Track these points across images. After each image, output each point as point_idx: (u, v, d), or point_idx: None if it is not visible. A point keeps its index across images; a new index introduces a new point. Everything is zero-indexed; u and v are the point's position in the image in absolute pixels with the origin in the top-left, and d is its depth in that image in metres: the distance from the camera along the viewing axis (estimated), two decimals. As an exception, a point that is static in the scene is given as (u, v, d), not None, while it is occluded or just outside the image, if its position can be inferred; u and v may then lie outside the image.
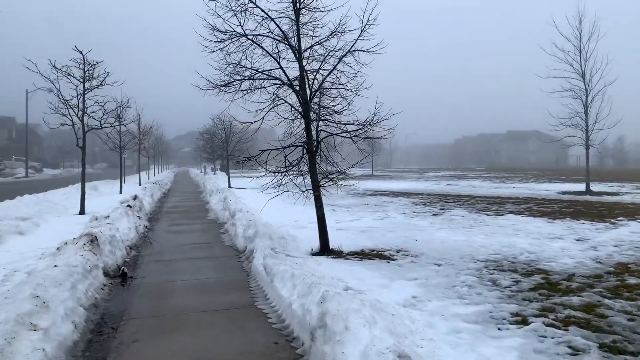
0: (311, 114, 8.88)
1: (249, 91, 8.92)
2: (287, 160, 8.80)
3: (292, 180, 8.85)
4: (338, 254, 8.73)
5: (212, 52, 8.40)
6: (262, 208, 10.37)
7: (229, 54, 8.56)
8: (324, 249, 8.84)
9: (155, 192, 23.59)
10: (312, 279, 5.78)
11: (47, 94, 14.23)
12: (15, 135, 77.77)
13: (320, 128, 9.24)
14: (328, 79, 8.95)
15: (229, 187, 30.14)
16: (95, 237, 8.23)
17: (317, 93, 9.00)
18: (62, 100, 14.36)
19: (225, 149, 30.59)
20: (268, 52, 8.56)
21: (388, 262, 8.11)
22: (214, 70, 9.31)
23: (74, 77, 14.24)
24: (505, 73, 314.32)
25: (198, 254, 9.70)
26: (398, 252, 9.00)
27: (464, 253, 8.79)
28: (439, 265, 7.87)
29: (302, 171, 8.85)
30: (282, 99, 9.36)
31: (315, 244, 9.70)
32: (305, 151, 8.79)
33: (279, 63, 8.64)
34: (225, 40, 8.67)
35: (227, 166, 31.91)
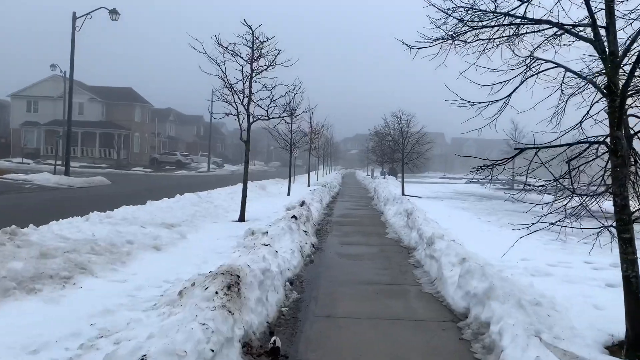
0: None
1: (496, 40, 5.14)
2: (571, 170, 4.74)
3: (583, 205, 4.73)
4: (671, 359, 4.40)
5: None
6: (508, 250, 6.32)
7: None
8: (638, 342, 4.57)
9: (325, 195, 21.04)
10: None
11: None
12: (203, 133, 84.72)
13: (631, 112, 4.99)
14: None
15: (402, 194, 26.56)
16: (238, 276, 5.18)
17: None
18: (227, 85, 12.15)
19: (401, 150, 27.04)
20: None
21: None
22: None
23: (240, 57, 11.93)
24: None
25: (388, 308, 6.18)
26: None
27: None
28: None
29: (609, 186, 4.68)
30: (548, 61, 5.38)
31: (596, 317, 5.50)
32: (609, 153, 4.63)
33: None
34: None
35: (401, 170, 28.35)
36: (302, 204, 13.94)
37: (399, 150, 27.59)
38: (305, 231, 10.35)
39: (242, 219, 12.29)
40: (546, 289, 6.53)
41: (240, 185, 21.54)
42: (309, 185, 30.83)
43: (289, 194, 22.07)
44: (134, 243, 7.75)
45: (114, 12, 31.50)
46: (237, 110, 12.39)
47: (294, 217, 10.20)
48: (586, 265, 8.48)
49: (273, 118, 12.23)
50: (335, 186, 31.27)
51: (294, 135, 22.39)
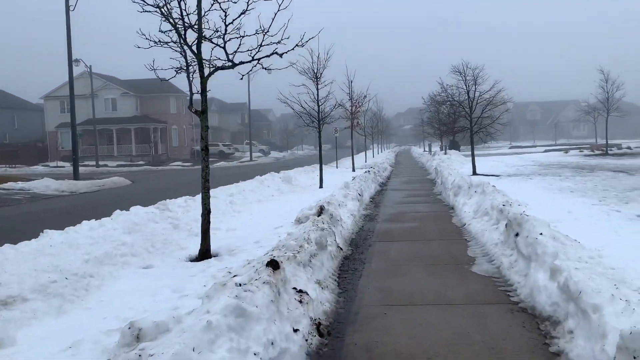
0: None
1: None
2: None
3: None
4: None
5: None
6: None
7: None
8: None
9: (368, 186, 15.28)
10: None
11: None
12: (248, 120, 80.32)
13: None
14: None
15: (474, 173, 20.33)
16: None
17: None
18: (166, 16, 6.66)
19: (468, 116, 20.63)
20: None
21: None
22: None
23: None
24: None
25: None
26: None
27: None
28: None
29: None
30: None
31: None
32: None
33: None
34: None
35: (471, 142, 21.97)
36: (321, 211, 8.33)
37: (466, 116, 21.20)
38: (301, 291, 4.73)
39: (203, 254, 6.72)
40: None
41: (253, 181, 16.05)
42: (353, 170, 25.10)
43: (321, 186, 16.47)
44: None
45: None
46: (185, 57, 6.86)
47: (271, 263, 4.57)
48: None
49: (242, 63, 6.53)
50: (385, 169, 25.32)
51: (322, 105, 16.54)
